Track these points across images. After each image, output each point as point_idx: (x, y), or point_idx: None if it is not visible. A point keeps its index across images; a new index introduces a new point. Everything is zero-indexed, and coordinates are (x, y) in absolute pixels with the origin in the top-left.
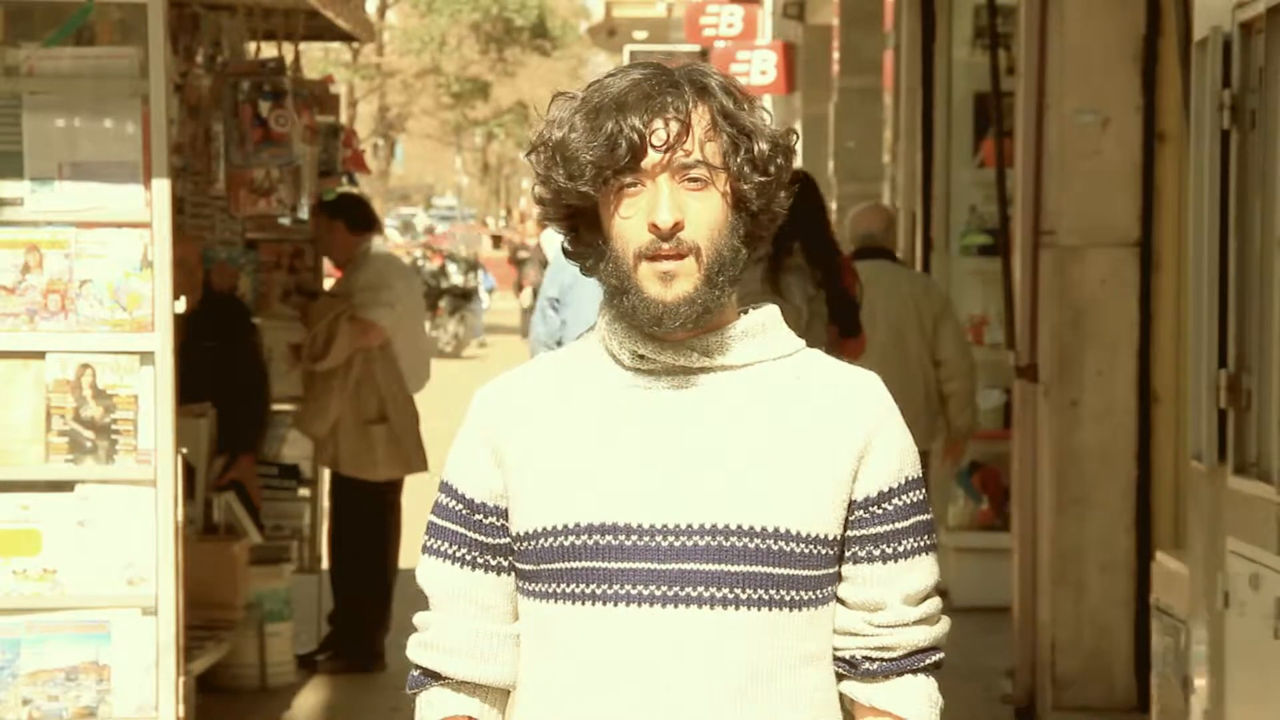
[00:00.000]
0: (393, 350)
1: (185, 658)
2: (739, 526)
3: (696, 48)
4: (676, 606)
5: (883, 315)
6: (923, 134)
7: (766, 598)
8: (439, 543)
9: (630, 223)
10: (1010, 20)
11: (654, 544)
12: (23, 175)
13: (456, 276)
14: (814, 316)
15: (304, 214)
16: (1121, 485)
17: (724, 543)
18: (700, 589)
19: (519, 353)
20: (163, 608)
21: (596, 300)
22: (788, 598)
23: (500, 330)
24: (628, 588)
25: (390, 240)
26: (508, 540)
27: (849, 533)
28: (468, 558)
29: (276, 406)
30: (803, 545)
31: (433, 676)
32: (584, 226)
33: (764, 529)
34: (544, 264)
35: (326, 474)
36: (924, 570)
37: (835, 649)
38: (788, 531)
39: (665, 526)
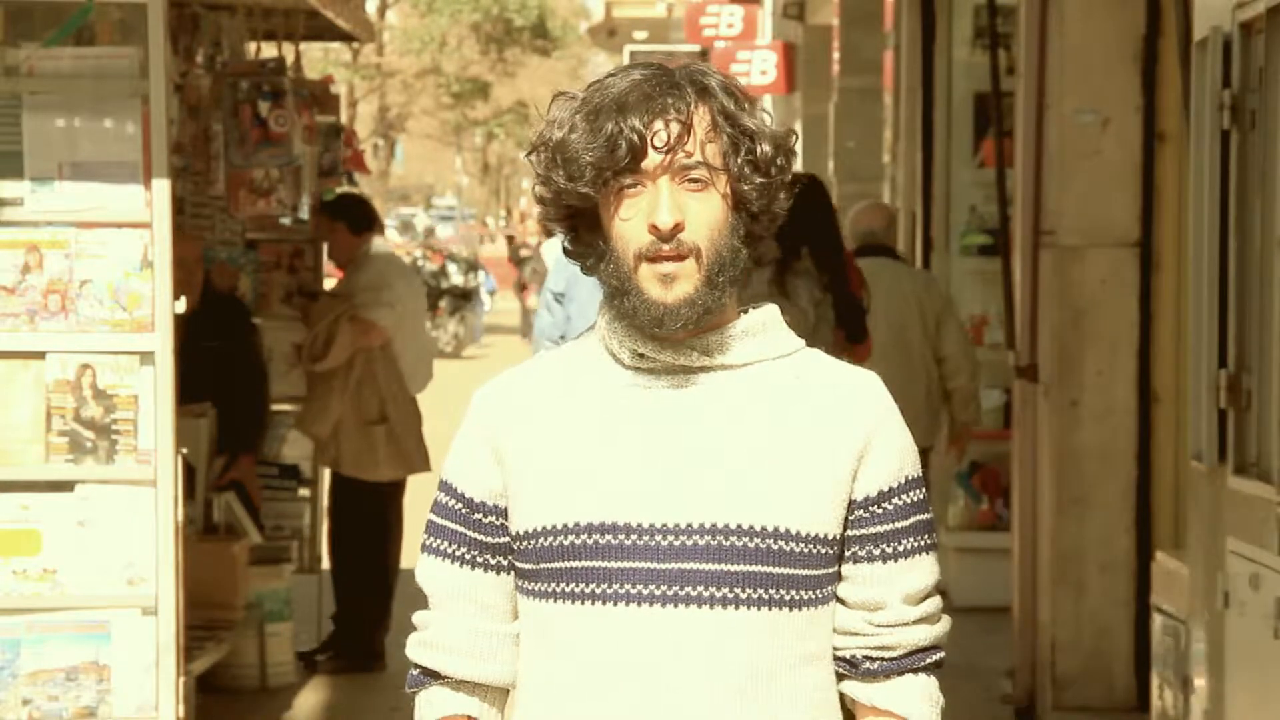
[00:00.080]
0: (394, 350)
1: (185, 658)
2: (739, 526)
3: (696, 48)
4: (676, 606)
5: (884, 313)
6: (923, 134)
7: (766, 597)
8: (439, 542)
9: (630, 224)
10: (1010, 20)
11: (654, 543)
12: (23, 175)
13: (456, 276)
14: (820, 320)
15: (304, 214)
16: (1121, 485)
17: (724, 542)
18: (700, 588)
19: (519, 353)
20: (163, 608)
21: (600, 295)
22: (788, 597)
23: (500, 330)
24: (628, 587)
25: (390, 241)
26: (507, 539)
27: (849, 532)
28: (467, 557)
29: (277, 407)
30: (803, 545)
31: (432, 675)
32: (584, 227)
33: (764, 528)
34: (543, 275)
35: (327, 474)
36: (924, 569)
37: (835, 648)
38: (788, 531)
39: (665, 526)
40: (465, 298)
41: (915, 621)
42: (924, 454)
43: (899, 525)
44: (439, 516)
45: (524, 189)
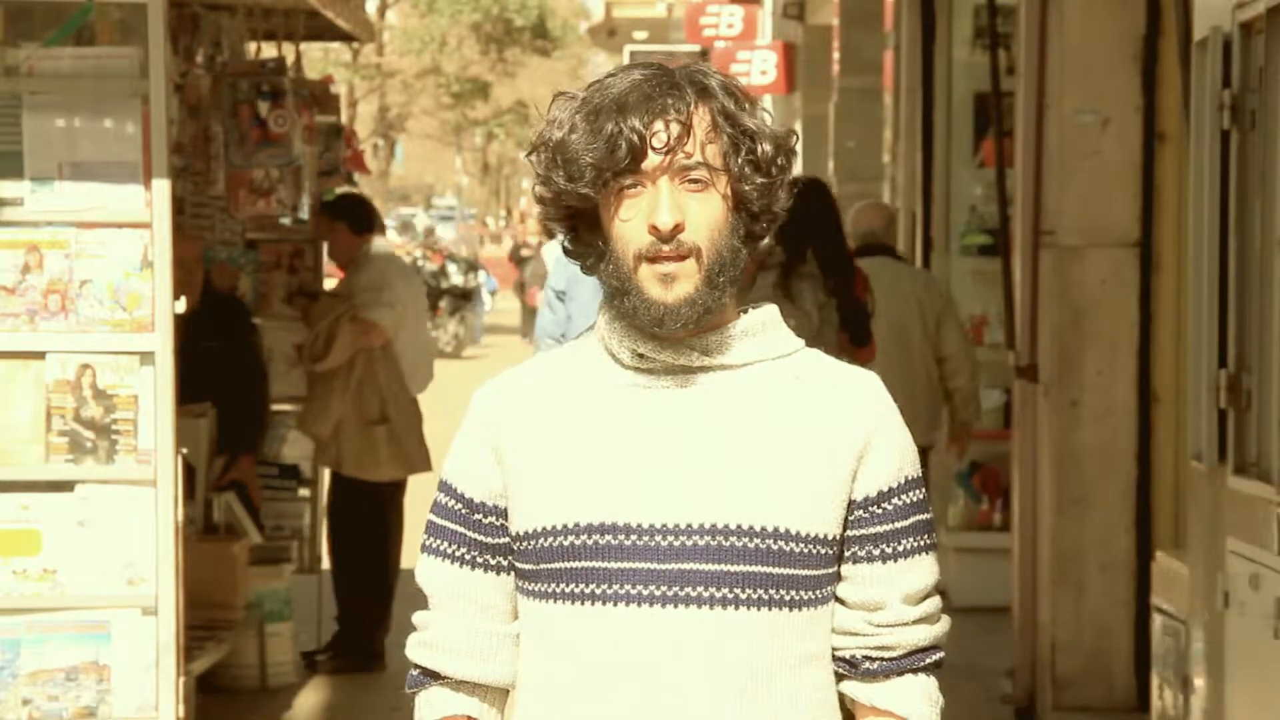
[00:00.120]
0: (394, 350)
1: (185, 658)
2: (739, 526)
3: (696, 48)
4: (676, 606)
5: (884, 312)
6: (923, 134)
7: (766, 597)
8: (438, 542)
9: (630, 224)
10: (1010, 20)
11: (654, 544)
12: (23, 175)
13: (456, 276)
14: (825, 324)
15: (304, 214)
16: (1121, 485)
17: (724, 542)
18: (700, 589)
19: (519, 353)
20: (163, 608)
21: (601, 294)
22: (787, 597)
23: (501, 330)
24: (627, 588)
25: (390, 241)
26: (507, 540)
27: (849, 532)
28: (467, 557)
29: (277, 407)
30: (802, 545)
31: (432, 676)
32: (584, 226)
33: (764, 529)
34: (543, 276)
35: (327, 474)
36: (924, 569)
37: (835, 649)
38: (787, 531)
39: (665, 526)
40: (465, 298)
41: (915, 621)
42: (923, 453)
43: (899, 525)
44: (439, 517)
45: (524, 189)
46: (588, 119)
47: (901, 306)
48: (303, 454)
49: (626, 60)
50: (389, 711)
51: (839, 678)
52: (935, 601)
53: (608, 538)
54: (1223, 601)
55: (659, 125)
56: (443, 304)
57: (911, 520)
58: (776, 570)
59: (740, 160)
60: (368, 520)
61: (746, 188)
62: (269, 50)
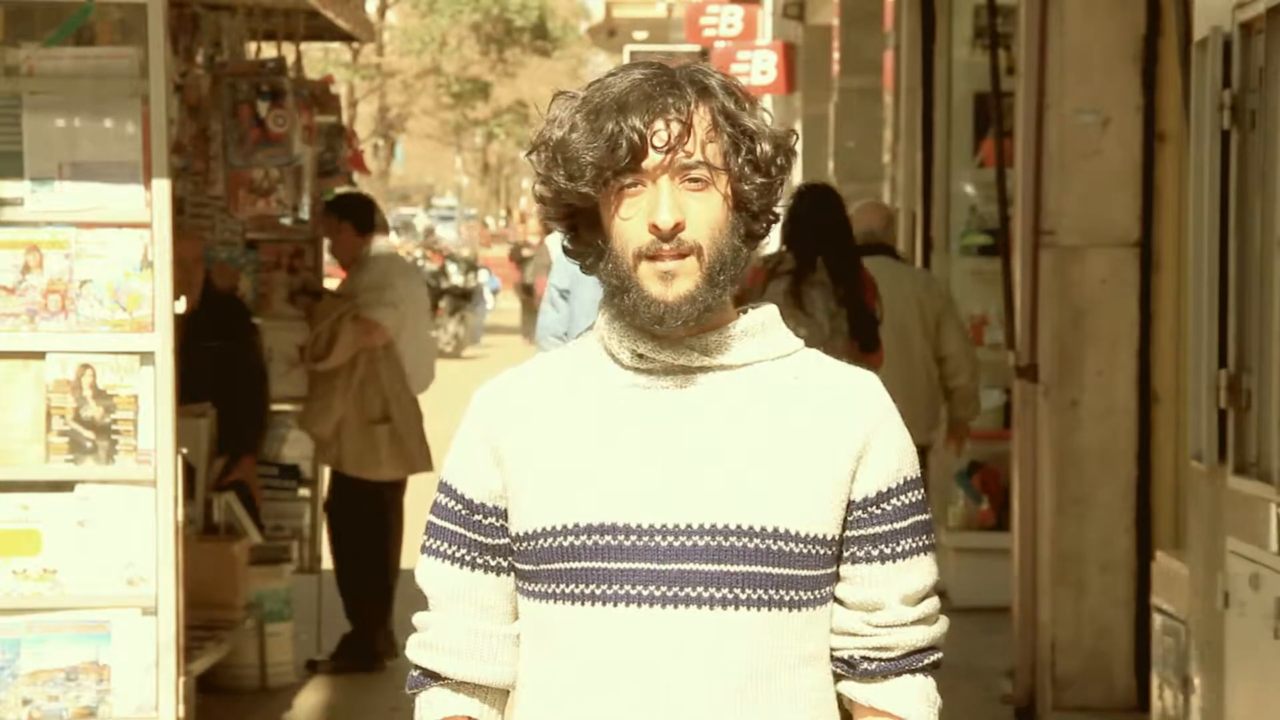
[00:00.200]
0: (396, 350)
1: (185, 658)
2: (738, 526)
3: (696, 48)
4: (676, 607)
5: (885, 312)
6: (923, 134)
7: (766, 598)
8: (438, 543)
9: (631, 223)
10: (1010, 20)
11: (653, 544)
12: (23, 175)
13: (456, 276)
14: (835, 332)
15: (304, 214)
16: (1121, 485)
17: (723, 543)
18: (700, 589)
19: (519, 353)
20: (163, 608)
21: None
22: (787, 598)
23: (501, 330)
24: (627, 588)
25: (392, 242)
26: (507, 540)
27: (848, 533)
28: (467, 558)
29: (277, 407)
30: (802, 545)
31: (432, 677)
32: (584, 226)
33: (763, 529)
34: (548, 266)
35: (327, 474)
36: (922, 570)
37: (833, 649)
38: (787, 531)
39: (665, 526)
40: (465, 298)
41: (913, 622)
42: (922, 453)
43: (897, 526)
44: (438, 517)
45: (524, 189)
46: (588, 118)
47: (902, 306)
48: (303, 454)
49: (626, 60)
50: (389, 711)
51: (837, 678)
52: (934, 602)
53: (607, 538)
54: (1223, 601)
55: (659, 124)
56: (443, 304)
57: (910, 521)
58: (776, 570)
59: (740, 160)
60: (368, 520)
61: (746, 187)
62: (269, 50)
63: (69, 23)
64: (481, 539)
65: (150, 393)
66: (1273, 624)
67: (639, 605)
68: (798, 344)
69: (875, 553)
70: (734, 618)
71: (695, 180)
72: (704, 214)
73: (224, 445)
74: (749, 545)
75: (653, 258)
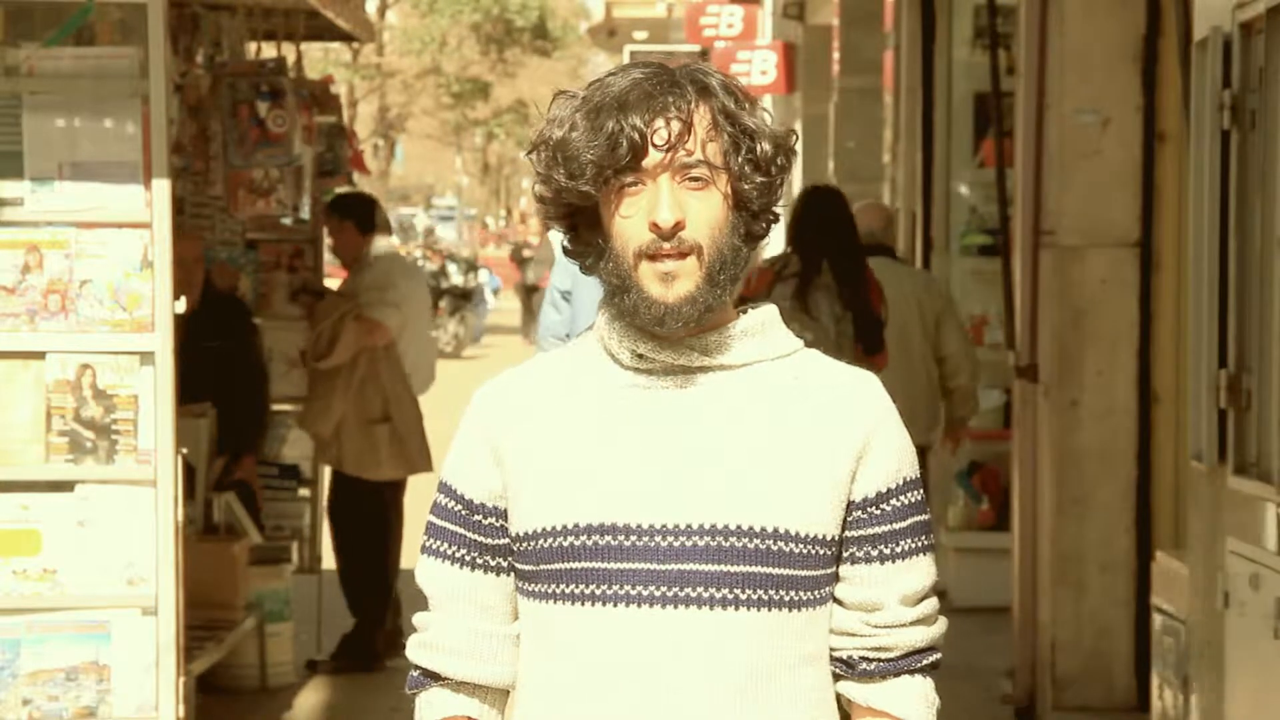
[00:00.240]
0: (397, 350)
1: (185, 658)
2: (738, 527)
3: (696, 48)
4: (676, 607)
5: (888, 314)
6: (923, 134)
7: (766, 598)
8: (438, 543)
9: (631, 222)
10: (1010, 20)
11: (653, 544)
12: (23, 175)
13: (456, 276)
14: (841, 336)
15: (305, 214)
16: (1121, 485)
17: (723, 543)
18: (700, 589)
19: (519, 353)
20: (163, 608)
21: None
22: (787, 598)
23: (501, 330)
24: (627, 588)
25: (394, 242)
26: (507, 540)
27: (847, 533)
28: (467, 558)
29: (277, 407)
30: (802, 545)
31: (432, 677)
32: (584, 225)
33: (763, 529)
34: (551, 261)
35: (327, 474)
36: (921, 571)
37: (832, 649)
38: (787, 532)
39: (665, 527)
40: (465, 298)
41: (912, 623)
42: (922, 453)
43: (897, 526)
44: (438, 518)
45: (524, 189)
46: (588, 117)
47: (902, 307)
48: (303, 454)
49: (626, 60)
50: (389, 712)
51: (836, 678)
52: (933, 603)
53: (607, 538)
54: (1223, 601)
55: (660, 123)
56: (443, 304)
57: (910, 521)
58: (776, 571)
59: (740, 159)
60: (367, 520)
61: (746, 186)
62: (269, 50)
63: (69, 23)
64: (481, 539)
65: (150, 393)
66: (1273, 624)
67: (639, 605)
68: (797, 344)
69: (874, 553)
70: (734, 618)
71: (695, 179)
72: (704, 213)
73: (224, 445)
74: (749, 545)
75: (653, 257)
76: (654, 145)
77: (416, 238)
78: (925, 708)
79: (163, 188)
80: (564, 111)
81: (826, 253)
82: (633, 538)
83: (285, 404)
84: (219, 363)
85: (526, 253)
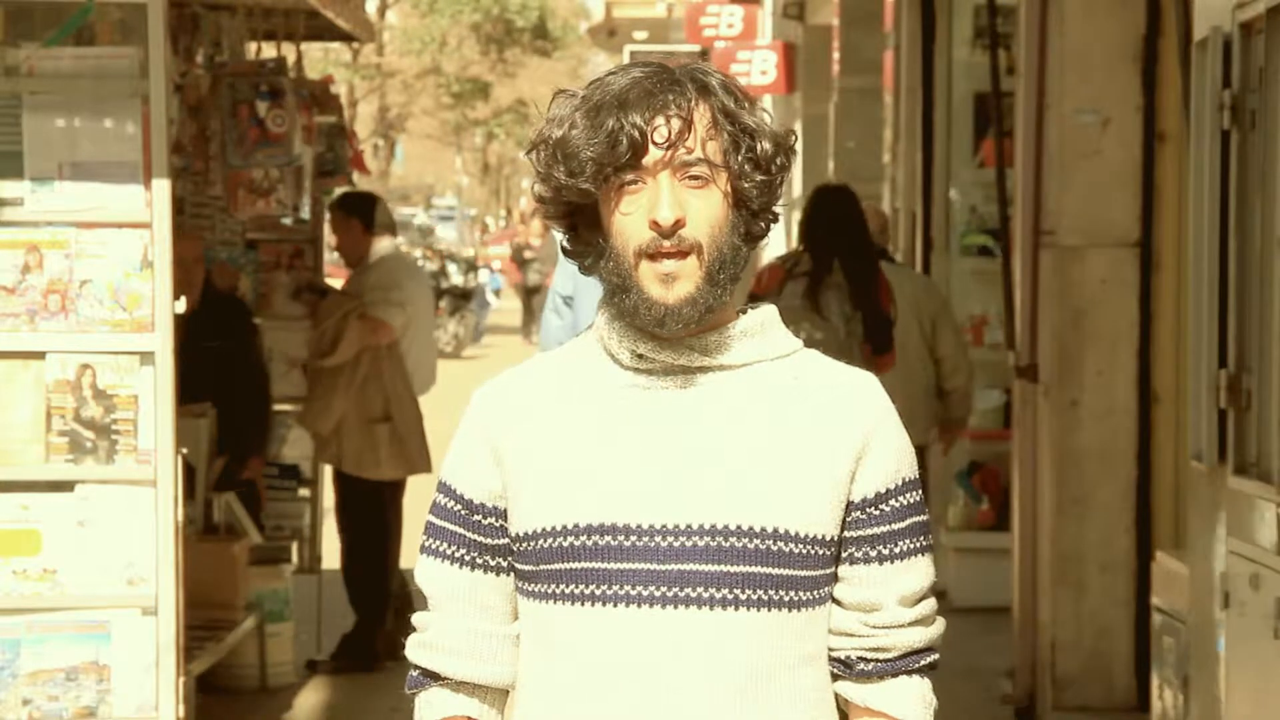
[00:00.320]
0: (400, 350)
1: (185, 658)
2: (738, 527)
3: (696, 48)
4: (676, 607)
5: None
6: (923, 134)
7: (766, 598)
8: (438, 543)
9: (631, 219)
10: (1010, 20)
11: (653, 544)
12: (23, 175)
13: (456, 276)
14: (850, 335)
15: (305, 214)
16: (1121, 485)
17: (723, 543)
18: (700, 589)
19: (519, 353)
20: (163, 608)
21: None
22: (787, 598)
23: (501, 330)
24: (627, 588)
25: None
26: (506, 540)
27: (846, 533)
28: (466, 558)
29: (277, 407)
30: (801, 546)
31: (432, 677)
32: (583, 225)
33: (763, 529)
34: (555, 257)
35: (327, 474)
36: (920, 571)
37: (831, 649)
38: (786, 532)
39: (664, 527)
40: (465, 298)
41: (910, 623)
42: (920, 453)
43: (896, 527)
44: (438, 518)
45: (524, 189)
46: (588, 115)
47: (899, 308)
48: (303, 454)
49: (626, 60)
50: (389, 712)
51: (834, 678)
52: (931, 603)
53: (607, 538)
54: (1223, 601)
55: (660, 120)
56: (443, 304)
57: (909, 522)
58: (776, 571)
59: (740, 157)
60: (367, 520)
61: (746, 185)
62: (269, 50)
63: (69, 23)
64: (481, 539)
65: (150, 393)
66: (1273, 624)
67: (639, 605)
68: (797, 344)
69: (873, 553)
70: (734, 618)
71: (695, 178)
72: (704, 211)
73: (224, 445)
74: (748, 545)
75: (653, 257)
76: (654, 143)
77: (416, 237)
78: (923, 708)
79: (163, 188)
80: (564, 110)
81: (838, 252)
82: (633, 538)
83: (285, 404)
84: (219, 363)
85: (528, 254)
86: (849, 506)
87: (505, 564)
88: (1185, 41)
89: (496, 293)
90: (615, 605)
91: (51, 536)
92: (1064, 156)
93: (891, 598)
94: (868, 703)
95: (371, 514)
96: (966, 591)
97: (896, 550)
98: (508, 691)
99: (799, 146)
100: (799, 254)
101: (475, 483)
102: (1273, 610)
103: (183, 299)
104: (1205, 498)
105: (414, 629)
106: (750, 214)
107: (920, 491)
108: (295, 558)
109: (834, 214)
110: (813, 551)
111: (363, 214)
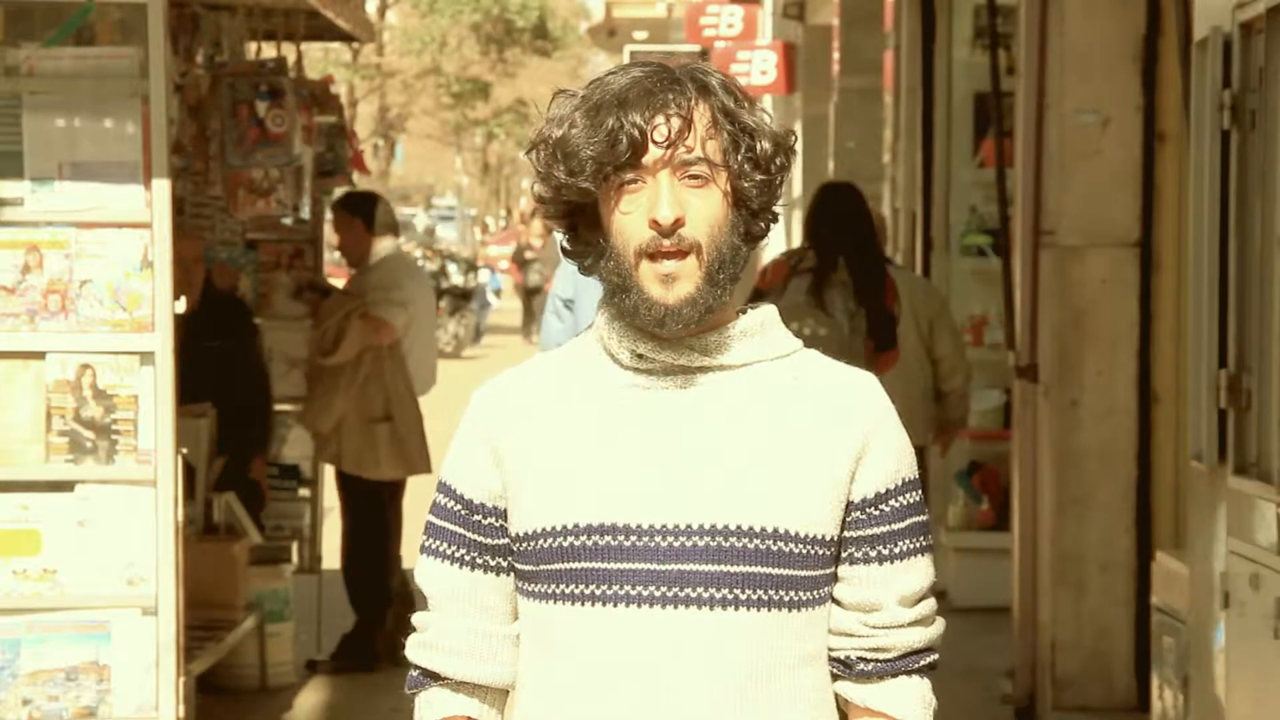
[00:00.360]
0: (401, 350)
1: (185, 658)
2: (738, 527)
3: (696, 48)
4: (676, 607)
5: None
6: (923, 134)
7: (766, 598)
8: (438, 543)
9: (631, 218)
10: (1010, 20)
11: (653, 544)
12: (23, 175)
13: (456, 276)
14: (854, 331)
15: (305, 214)
16: (1121, 485)
17: (723, 543)
18: (700, 589)
19: (519, 353)
20: (163, 608)
21: None
22: (787, 598)
23: (501, 330)
24: (627, 588)
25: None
26: (506, 540)
27: (846, 533)
28: (466, 558)
29: (277, 407)
30: (801, 546)
31: (432, 677)
32: (583, 225)
33: (763, 529)
34: (558, 260)
35: (327, 474)
36: (920, 571)
37: (830, 649)
38: (786, 532)
39: (664, 527)
40: (465, 298)
41: (910, 623)
42: (919, 454)
43: (895, 527)
44: (438, 518)
45: (524, 189)
46: (588, 114)
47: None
48: (303, 454)
49: (626, 60)
50: (389, 712)
51: (834, 678)
52: (931, 603)
53: (607, 538)
54: (1223, 601)
55: (660, 120)
56: (443, 304)
57: (908, 522)
58: (776, 571)
59: (740, 157)
60: (367, 520)
61: (746, 185)
62: (269, 50)
63: (69, 23)
64: (481, 539)
65: (150, 393)
66: (1273, 624)
67: (639, 605)
68: (797, 344)
69: (873, 554)
70: (734, 618)
71: (695, 177)
72: (704, 210)
73: (224, 445)
74: (748, 546)
75: (653, 256)
76: (654, 142)
77: (416, 237)
78: (923, 708)
79: (163, 188)
80: (563, 110)
81: (843, 249)
82: (632, 538)
83: (285, 404)
84: (219, 363)
85: (528, 255)
86: (849, 506)
87: (505, 564)
88: (1185, 41)
89: (497, 293)
90: (615, 605)
91: (51, 536)
92: (1064, 156)
93: (891, 598)
94: (867, 703)
95: (371, 514)
96: (966, 591)
97: (896, 550)
98: (508, 691)
99: (799, 146)
100: (804, 250)
101: (475, 483)
102: (1273, 610)
103: (183, 299)
104: (1205, 498)
105: (414, 629)
106: (750, 214)
107: (920, 491)
108: (295, 558)
109: (840, 211)
110: (813, 551)
111: (365, 213)
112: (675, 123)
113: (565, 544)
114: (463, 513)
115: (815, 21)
